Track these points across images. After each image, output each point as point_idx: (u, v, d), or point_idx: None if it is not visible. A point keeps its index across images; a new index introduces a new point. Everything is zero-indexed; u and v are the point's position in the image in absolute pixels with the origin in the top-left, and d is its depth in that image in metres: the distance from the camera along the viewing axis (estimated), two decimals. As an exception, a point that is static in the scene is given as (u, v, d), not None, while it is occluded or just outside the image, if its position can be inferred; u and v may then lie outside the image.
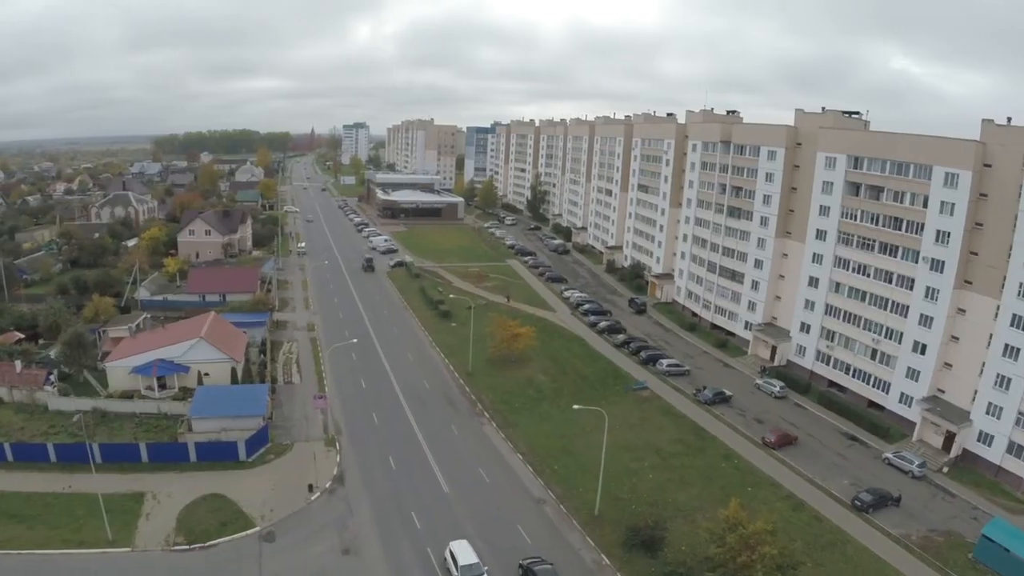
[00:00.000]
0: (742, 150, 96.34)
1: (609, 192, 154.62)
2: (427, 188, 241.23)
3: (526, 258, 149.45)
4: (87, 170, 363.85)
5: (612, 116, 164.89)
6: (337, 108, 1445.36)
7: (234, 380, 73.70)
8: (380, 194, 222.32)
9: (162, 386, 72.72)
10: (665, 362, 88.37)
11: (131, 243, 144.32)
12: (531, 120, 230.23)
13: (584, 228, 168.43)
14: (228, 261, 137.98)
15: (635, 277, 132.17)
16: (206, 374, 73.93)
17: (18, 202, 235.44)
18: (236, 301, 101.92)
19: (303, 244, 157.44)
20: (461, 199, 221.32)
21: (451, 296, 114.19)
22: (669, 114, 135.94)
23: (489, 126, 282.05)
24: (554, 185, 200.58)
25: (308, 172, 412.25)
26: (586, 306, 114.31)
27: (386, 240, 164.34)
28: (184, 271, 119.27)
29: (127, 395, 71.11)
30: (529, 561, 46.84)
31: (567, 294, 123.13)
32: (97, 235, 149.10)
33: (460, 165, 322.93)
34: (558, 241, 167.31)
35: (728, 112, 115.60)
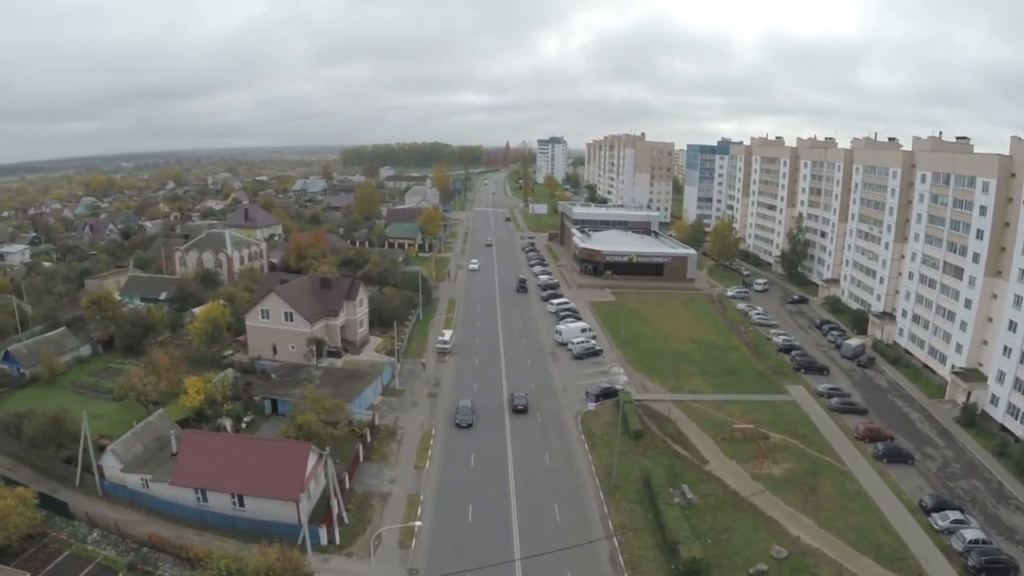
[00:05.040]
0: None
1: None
2: (641, 228, 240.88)
3: (821, 383, 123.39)
4: (249, 186, 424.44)
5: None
6: (534, 122, 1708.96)
7: None
8: (577, 237, 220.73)
9: None
10: None
11: (197, 310, 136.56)
12: (779, 138, 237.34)
13: (886, 313, 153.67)
14: (308, 374, 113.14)
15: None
16: None
17: (136, 228, 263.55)
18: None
19: (448, 335, 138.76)
20: (692, 252, 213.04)
21: (709, 541, 75.70)
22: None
23: (717, 144, 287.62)
24: (822, 234, 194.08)
25: (496, 192, 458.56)
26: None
27: (584, 331, 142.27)
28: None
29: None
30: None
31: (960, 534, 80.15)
32: (145, 304, 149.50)
33: (676, 190, 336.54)
34: (855, 343, 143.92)
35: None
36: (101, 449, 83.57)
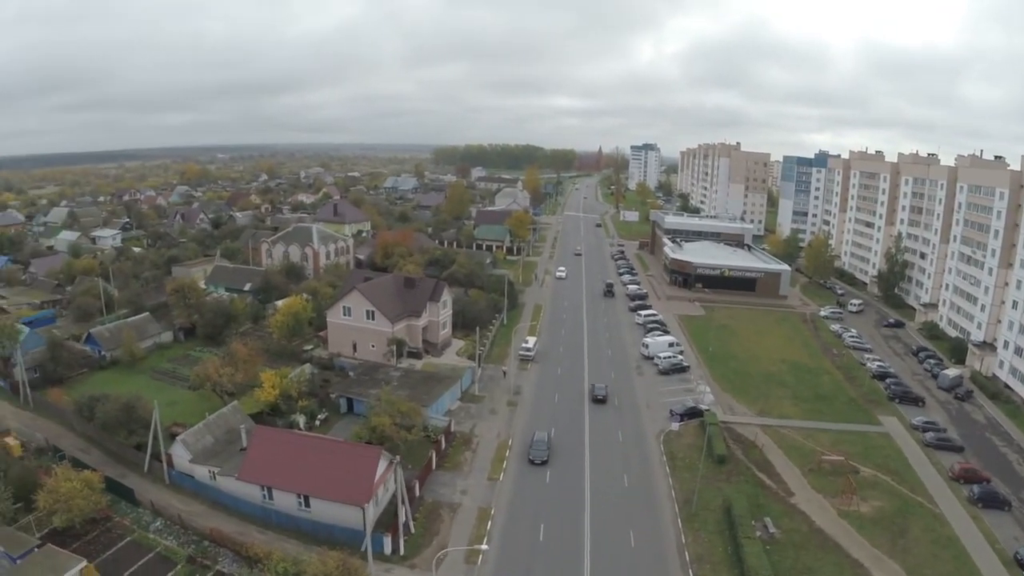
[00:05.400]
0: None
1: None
2: (734, 241, 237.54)
3: (916, 416, 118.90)
4: (340, 181, 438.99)
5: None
6: (627, 128, 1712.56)
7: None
8: (668, 248, 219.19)
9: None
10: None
11: (280, 303, 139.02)
12: (878, 152, 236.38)
13: (986, 343, 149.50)
14: (386, 375, 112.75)
15: None
16: None
17: (227, 218, 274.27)
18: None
19: (532, 343, 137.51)
20: (786, 268, 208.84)
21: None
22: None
23: (814, 156, 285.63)
24: (922, 255, 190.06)
25: (588, 196, 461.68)
26: None
27: (671, 346, 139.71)
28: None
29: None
30: None
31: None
32: (233, 293, 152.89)
33: (771, 202, 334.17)
34: (952, 373, 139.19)
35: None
36: (173, 437, 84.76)
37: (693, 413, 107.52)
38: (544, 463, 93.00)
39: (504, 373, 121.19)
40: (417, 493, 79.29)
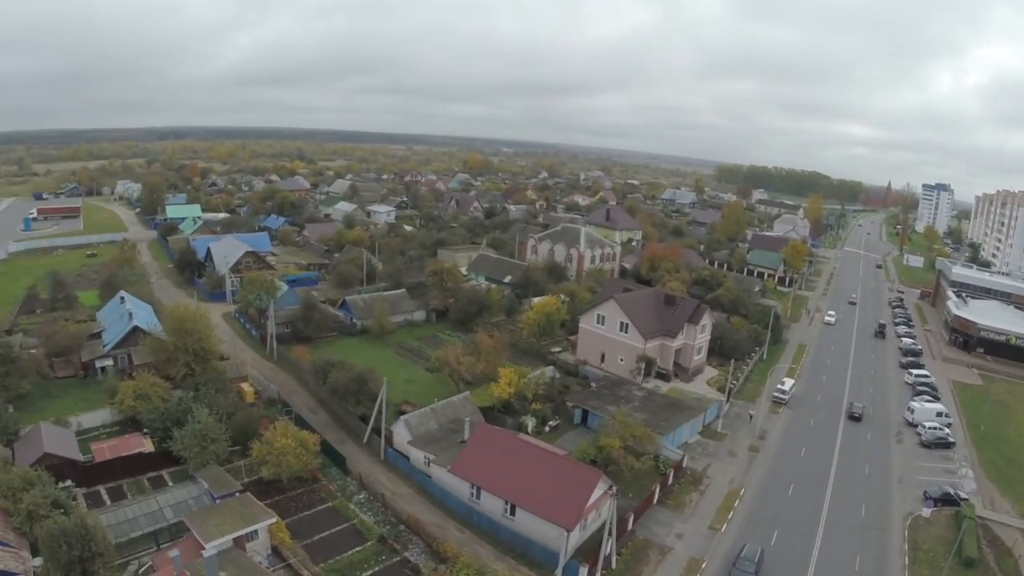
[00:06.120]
0: None
1: None
2: None
3: None
4: (618, 187, 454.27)
5: None
6: (918, 165, 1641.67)
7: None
8: (951, 302, 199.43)
9: None
10: None
11: (536, 301, 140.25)
12: None
13: None
14: (628, 393, 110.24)
15: None
16: None
17: (500, 209, 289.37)
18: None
19: (788, 385, 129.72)
20: None
21: None
22: None
23: None
24: None
25: (871, 233, 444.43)
26: None
27: (939, 416, 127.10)
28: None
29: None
30: None
31: None
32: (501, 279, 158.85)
33: None
34: None
35: None
36: (400, 414, 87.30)
37: (949, 500, 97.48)
38: None
39: (751, 417, 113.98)
40: (629, 526, 75.84)
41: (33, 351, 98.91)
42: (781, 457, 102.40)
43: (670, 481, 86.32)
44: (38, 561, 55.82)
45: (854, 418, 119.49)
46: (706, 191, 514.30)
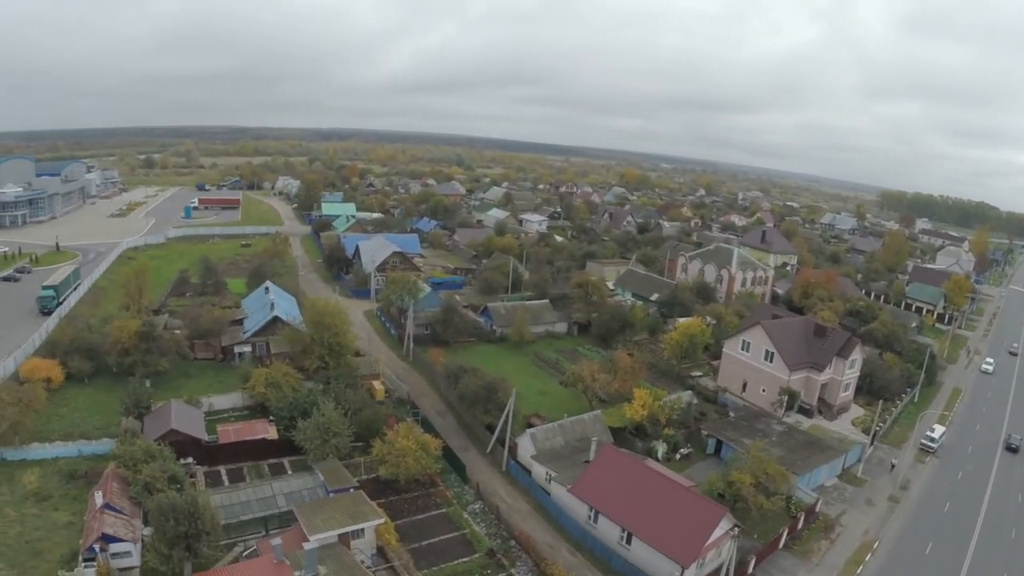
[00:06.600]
0: None
1: None
2: None
3: None
4: (776, 208, 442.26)
5: None
6: None
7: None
8: None
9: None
10: None
11: (680, 321, 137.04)
12: None
13: None
14: (767, 426, 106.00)
15: None
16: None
17: (654, 225, 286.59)
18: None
19: (938, 433, 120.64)
20: None
21: None
22: None
23: None
24: None
25: None
26: None
27: None
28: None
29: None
30: None
31: None
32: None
33: None
34: None
35: None
36: (528, 426, 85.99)
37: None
38: None
39: (892, 466, 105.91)
40: (750, 569, 72.01)
41: (177, 332, 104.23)
42: (922, 511, 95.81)
43: (800, 525, 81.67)
44: (148, 531, 57.71)
45: (1011, 449, 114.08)
46: (867, 217, 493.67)
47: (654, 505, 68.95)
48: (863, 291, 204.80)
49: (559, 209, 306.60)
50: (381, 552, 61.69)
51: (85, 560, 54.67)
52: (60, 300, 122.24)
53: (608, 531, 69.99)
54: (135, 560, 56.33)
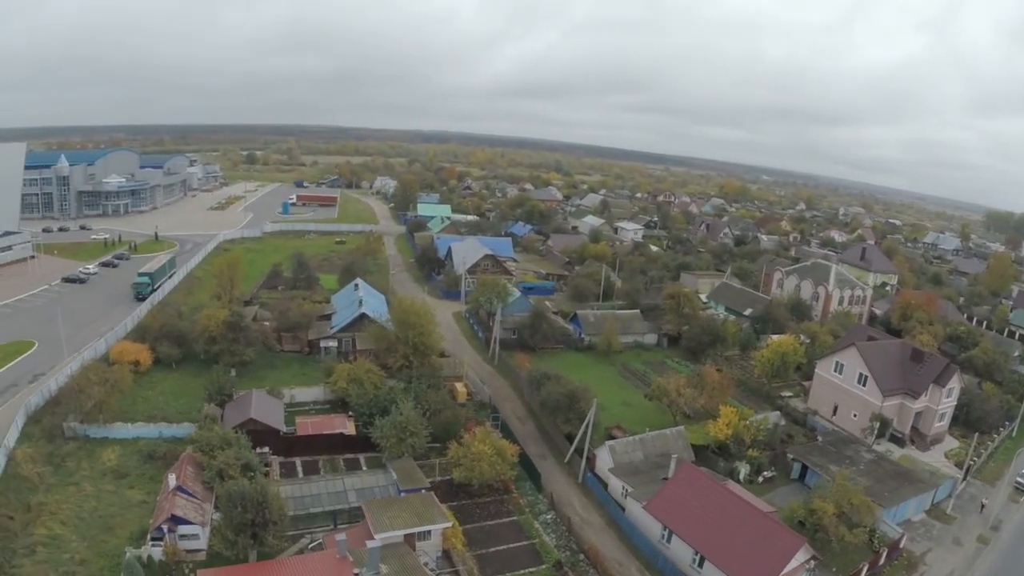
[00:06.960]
0: None
1: None
2: None
3: None
4: (879, 226, 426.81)
5: None
6: None
7: None
8: None
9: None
10: None
11: (773, 338, 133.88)
12: None
13: None
14: (856, 453, 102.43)
15: None
16: None
17: (751, 238, 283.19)
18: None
19: None
20: None
21: None
22: None
23: None
24: None
25: None
26: None
27: None
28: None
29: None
30: None
31: None
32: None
33: None
34: None
35: None
36: (609, 438, 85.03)
37: None
38: None
39: (983, 506, 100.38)
40: None
41: (266, 323, 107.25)
42: (1013, 556, 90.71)
43: (882, 561, 78.25)
44: (218, 516, 59.41)
45: None
46: (972, 238, 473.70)
47: (730, 529, 67.23)
48: (964, 315, 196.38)
49: (655, 218, 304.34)
50: (446, 556, 61.80)
51: (153, 539, 56.63)
52: (154, 287, 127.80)
53: (681, 552, 68.54)
54: (202, 543, 58.18)
